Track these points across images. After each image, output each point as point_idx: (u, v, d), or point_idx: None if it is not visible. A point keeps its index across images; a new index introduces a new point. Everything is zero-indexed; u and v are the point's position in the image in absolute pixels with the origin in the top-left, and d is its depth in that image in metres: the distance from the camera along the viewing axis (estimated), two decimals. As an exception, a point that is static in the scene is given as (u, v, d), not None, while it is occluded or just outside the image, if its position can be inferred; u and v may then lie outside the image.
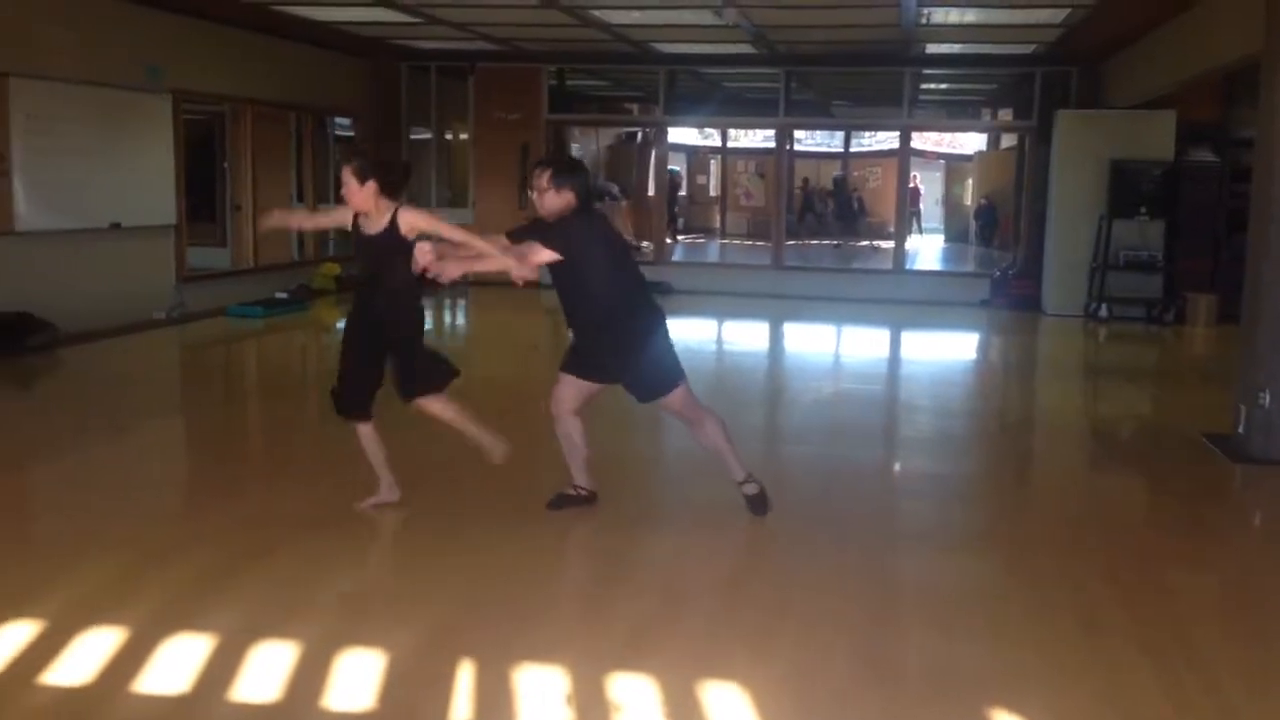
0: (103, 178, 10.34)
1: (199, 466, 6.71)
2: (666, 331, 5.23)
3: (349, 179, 4.91)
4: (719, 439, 5.33)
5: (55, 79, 9.71)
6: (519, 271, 4.93)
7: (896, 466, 7.13)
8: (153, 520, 5.26)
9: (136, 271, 10.93)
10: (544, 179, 4.98)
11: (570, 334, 5.35)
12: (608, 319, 5.09)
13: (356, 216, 5.02)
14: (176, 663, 3.63)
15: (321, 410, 7.95)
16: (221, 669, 3.60)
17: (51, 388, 8.73)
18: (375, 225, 4.95)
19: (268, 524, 5.16)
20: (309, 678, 3.57)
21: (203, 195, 13.23)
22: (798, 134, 25.63)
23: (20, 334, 9.00)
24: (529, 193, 5.21)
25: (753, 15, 11.29)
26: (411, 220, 4.94)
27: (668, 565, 4.88)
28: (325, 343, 12.09)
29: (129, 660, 3.64)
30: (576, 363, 5.29)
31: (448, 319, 14.42)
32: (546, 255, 4.94)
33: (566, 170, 5.07)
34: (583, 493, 5.41)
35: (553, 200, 4.97)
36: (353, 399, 5.16)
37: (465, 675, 3.63)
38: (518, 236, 5.16)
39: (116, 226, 10.53)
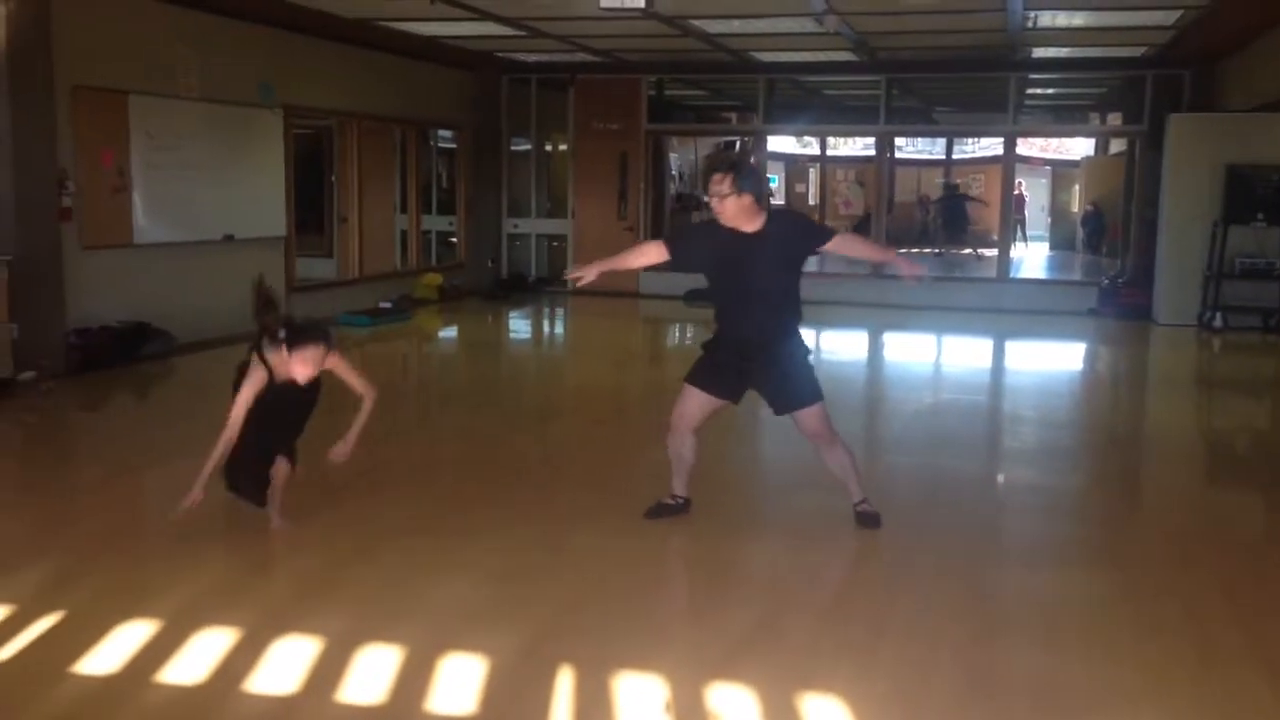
0: (217, 191, 10.66)
1: (304, 473, 6.85)
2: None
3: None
4: (847, 461, 5.31)
5: (173, 97, 10.06)
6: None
7: (1000, 479, 6.99)
8: (260, 524, 5.40)
9: (248, 282, 11.15)
10: (725, 184, 4.90)
11: (711, 343, 5.32)
12: (774, 324, 5.08)
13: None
14: (285, 664, 3.73)
15: (421, 417, 8.10)
16: (328, 671, 3.68)
17: (165, 395, 9.02)
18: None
19: (371, 529, 5.26)
20: (412, 681, 3.63)
21: (310, 207, 13.56)
22: (899, 141, 25.27)
23: (138, 343, 9.33)
24: (707, 199, 5.16)
25: (854, 23, 11.20)
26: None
27: (768, 576, 4.86)
28: (426, 351, 12.32)
29: (240, 660, 3.74)
30: (709, 376, 5.23)
31: (547, 328, 14.57)
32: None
33: (748, 173, 5.01)
34: (679, 501, 5.41)
35: (734, 205, 4.93)
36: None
37: (565, 681, 3.66)
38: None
39: (229, 239, 10.85)
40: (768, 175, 19.56)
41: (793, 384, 5.16)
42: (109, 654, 3.77)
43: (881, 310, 14.29)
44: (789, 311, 5.18)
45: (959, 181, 26.43)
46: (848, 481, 5.34)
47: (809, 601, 4.52)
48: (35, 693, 3.55)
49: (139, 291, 9.63)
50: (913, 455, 7.22)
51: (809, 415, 5.18)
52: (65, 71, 8.68)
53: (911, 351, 12.61)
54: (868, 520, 5.30)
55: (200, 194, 10.44)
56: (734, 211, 4.94)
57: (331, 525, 5.33)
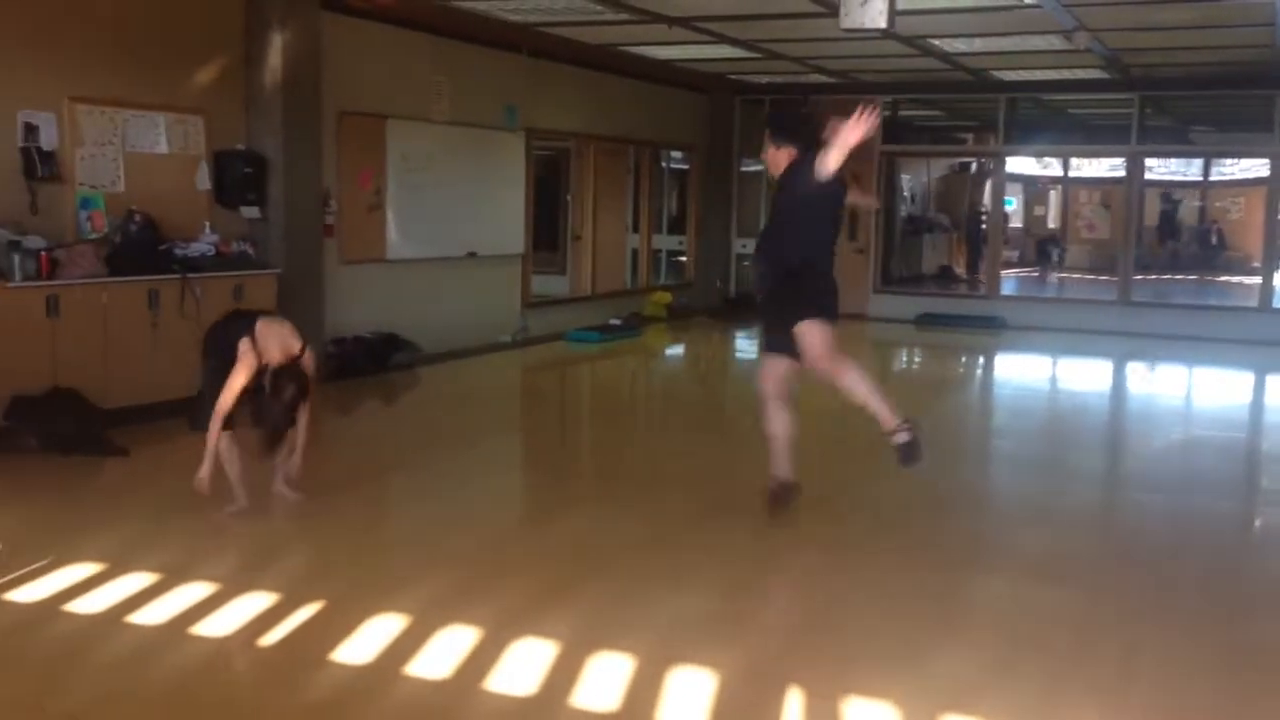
0: (461, 210, 11.18)
1: (538, 482, 7.10)
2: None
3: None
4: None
5: (426, 120, 10.62)
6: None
7: (1258, 522, 6.53)
8: (495, 531, 5.62)
9: (487, 297, 11.73)
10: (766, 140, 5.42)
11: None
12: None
13: None
14: (522, 666, 3.86)
15: (649, 433, 8.24)
16: (561, 677, 3.79)
17: (412, 401, 9.50)
18: None
19: (600, 541, 5.39)
20: (642, 692, 3.69)
21: (545, 226, 14.02)
22: (1148, 161, 24.01)
23: (388, 352, 9.87)
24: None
25: (1106, 39, 10.73)
26: None
27: (1001, 612, 4.69)
28: (654, 368, 12.52)
29: (480, 660, 3.90)
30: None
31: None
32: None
33: (786, 127, 5.52)
34: (777, 484, 5.53)
35: (775, 157, 5.45)
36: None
37: (794, 704, 3.64)
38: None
39: (472, 255, 11.35)
40: (1005, 197, 18.91)
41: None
42: (363, 644, 4.00)
43: (1128, 339, 13.60)
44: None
45: (1179, 200, 25.03)
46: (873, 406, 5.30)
47: (1045, 640, 4.33)
48: (300, 677, 3.81)
49: (389, 304, 10.19)
50: (1161, 493, 6.83)
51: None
52: (332, 98, 9.29)
53: (1159, 383, 11.93)
54: (906, 454, 5.27)
55: (447, 212, 10.96)
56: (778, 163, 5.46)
57: (568, 533, 5.49)
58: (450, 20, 10.13)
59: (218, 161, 8.44)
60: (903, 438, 5.24)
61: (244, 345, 5.33)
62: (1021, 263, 24.59)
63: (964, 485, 6.94)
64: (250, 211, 8.55)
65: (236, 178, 8.44)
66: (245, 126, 8.68)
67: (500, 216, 11.80)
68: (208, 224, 8.26)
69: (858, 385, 5.28)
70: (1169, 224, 24.25)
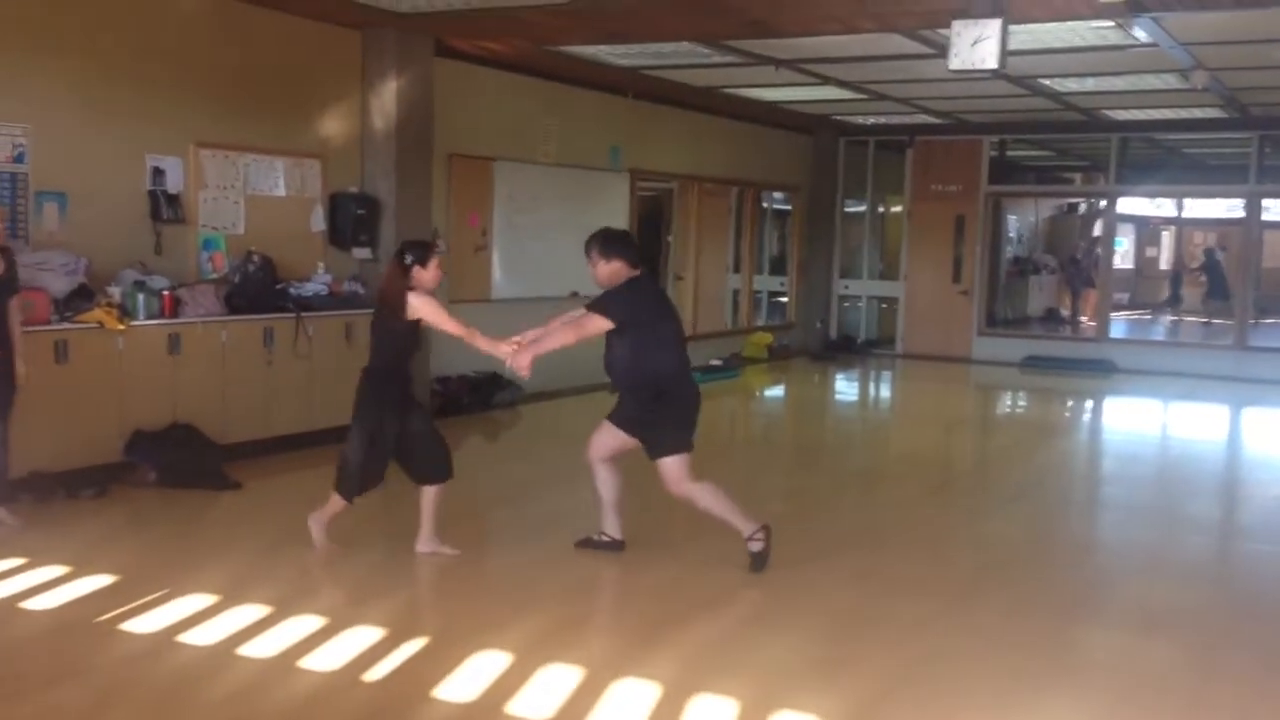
0: (565, 250, 11.27)
1: (634, 521, 7.10)
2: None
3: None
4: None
5: (532, 162, 10.81)
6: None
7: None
8: (597, 569, 5.64)
9: (588, 344, 11.80)
10: (593, 252, 5.41)
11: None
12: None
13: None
14: (624, 707, 3.86)
15: (749, 474, 8.20)
16: (664, 718, 3.78)
17: (512, 439, 9.61)
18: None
19: (703, 583, 5.38)
20: (743, 738, 3.66)
21: (648, 266, 14.09)
22: (1266, 202, 23.19)
23: (491, 391, 10.02)
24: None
25: (1225, 78, 10.48)
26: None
27: (1110, 666, 4.55)
28: (753, 409, 12.48)
29: (582, 700, 3.91)
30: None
31: (873, 391, 14.40)
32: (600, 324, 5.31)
33: (613, 240, 5.49)
34: (605, 539, 5.65)
35: (603, 270, 5.42)
36: None
37: (896, 756, 3.58)
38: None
39: (575, 295, 11.46)
40: (1115, 238, 18.42)
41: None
42: (466, 681, 4.05)
43: (1241, 384, 13.15)
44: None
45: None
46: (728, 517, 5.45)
47: (1158, 694, 4.19)
48: (404, 713, 3.87)
49: (494, 343, 10.33)
50: (1273, 545, 6.58)
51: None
52: (443, 141, 9.52)
53: (1277, 430, 11.50)
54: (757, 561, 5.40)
55: (550, 252, 11.11)
56: (603, 277, 5.45)
57: (669, 574, 5.49)
58: (558, 64, 10.33)
59: (332, 203, 8.71)
60: (755, 546, 5.39)
61: None
62: (1134, 305, 23.94)
63: (1073, 532, 6.77)
64: (362, 252, 8.78)
65: (350, 219, 8.70)
66: (359, 169, 8.94)
67: (603, 257, 11.89)
68: (321, 264, 8.51)
69: (714, 504, 5.42)
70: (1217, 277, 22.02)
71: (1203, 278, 21.57)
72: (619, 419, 5.55)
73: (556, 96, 11.07)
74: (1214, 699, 4.19)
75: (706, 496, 5.45)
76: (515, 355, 5.42)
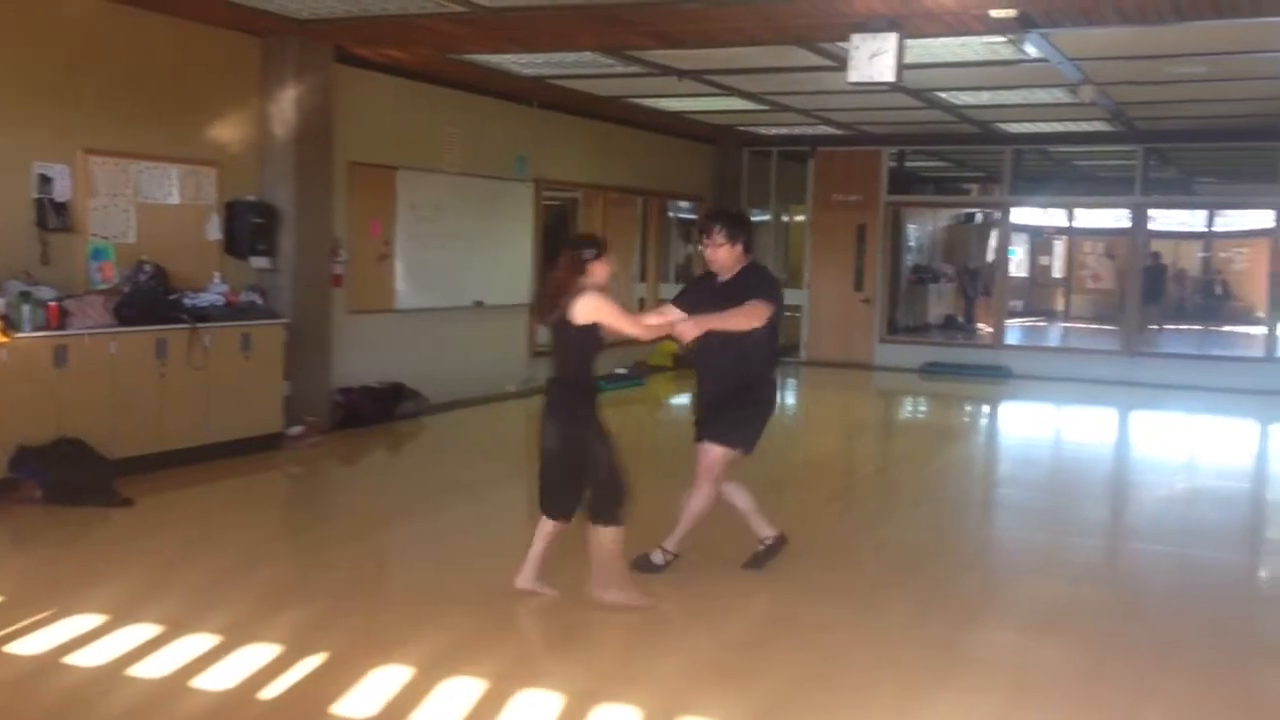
0: (469, 260, 11.25)
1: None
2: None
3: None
4: (694, 509, 5.43)
5: (436, 171, 10.72)
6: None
7: (1263, 573, 6.50)
8: (501, 581, 5.60)
9: (494, 347, 11.77)
10: (719, 232, 5.24)
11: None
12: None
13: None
14: (524, 718, 3.84)
15: (652, 481, 8.22)
16: (565, 729, 3.78)
17: (415, 451, 9.50)
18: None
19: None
20: (646, 747, 3.66)
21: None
22: (1154, 213, 24.01)
23: (394, 402, 9.89)
24: (702, 249, 5.44)
25: (1112, 92, 10.82)
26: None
27: (1002, 661, 4.66)
28: (659, 417, 12.51)
29: (485, 711, 3.88)
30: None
31: (778, 398, 14.55)
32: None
33: (740, 223, 5.34)
34: (768, 541, 5.64)
35: (724, 253, 5.27)
36: None
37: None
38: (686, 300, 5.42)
39: (480, 305, 11.40)
40: (1010, 247, 18.92)
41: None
42: (365, 697, 3.98)
43: (1130, 389, 13.59)
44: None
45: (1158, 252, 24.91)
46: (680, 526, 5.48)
47: (1053, 690, 4.30)
48: (299, 729, 3.79)
49: (396, 354, 10.23)
50: (1163, 543, 6.81)
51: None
52: (344, 149, 9.39)
53: (1163, 433, 11.90)
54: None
55: (454, 262, 11.03)
56: (722, 259, 5.30)
57: (574, 588, 5.46)
58: (462, 72, 10.26)
59: (229, 212, 8.53)
60: (657, 559, 5.50)
61: None
62: (1028, 313, 24.59)
63: (971, 535, 6.92)
64: (260, 261, 8.61)
65: (247, 228, 8.52)
66: (257, 177, 8.77)
67: (508, 266, 11.87)
68: (217, 274, 8.32)
69: (693, 507, 5.47)
70: (1154, 283, 23.02)
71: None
72: (712, 433, 5.37)
73: (461, 105, 11.00)
74: (1106, 693, 4.31)
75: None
76: (685, 324, 5.13)
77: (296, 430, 8.65)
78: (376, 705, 3.92)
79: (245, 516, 6.82)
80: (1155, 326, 20.83)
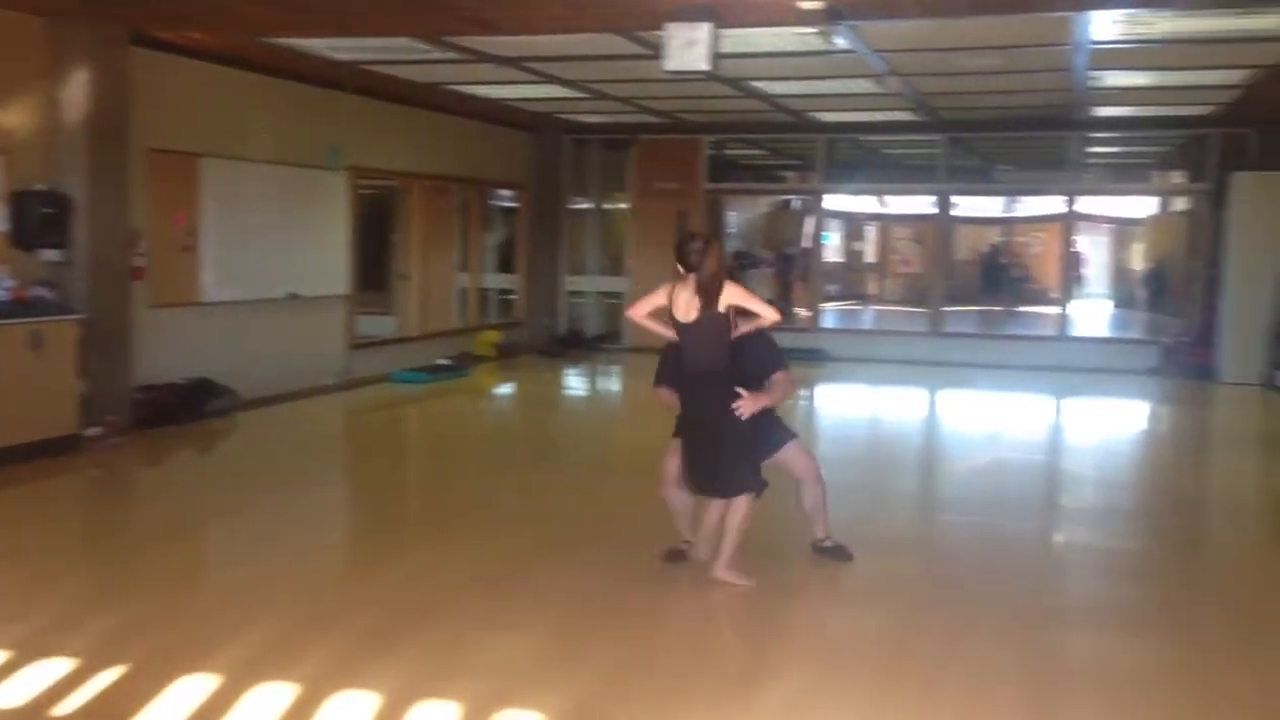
0: (281, 251, 10.90)
1: (364, 528, 6.94)
2: None
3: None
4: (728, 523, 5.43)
5: (243, 159, 10.33)
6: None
7: (1059, 539, 6.89)
8: (319, 581, 5.46)
9: (310, 339, 11.45)
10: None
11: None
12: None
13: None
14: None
15: (479, 473, 8.16)
16: (383, 729, 3.70)
17: (228, 451, 9.16)
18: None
19: (429, 585, 5.30)
20: (466, 741, 3.63)
21: (372, 265, 13.78)
22: (958, 199, 25.17)
23: (202, 399, 9.50)
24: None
25: (916, 83, 11.24)
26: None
27: (823, 636, 4.82)
28: (483, 408, 12.42)
29: (298, 715, 3.77)
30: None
31: (601, 385, 14.61)
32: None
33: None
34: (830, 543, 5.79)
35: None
36: None
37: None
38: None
39: (294, 297, 11.06)
40: (824, 232, 19.52)
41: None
42: (168, 709, 3.81)
43: (937, 368, 14.19)
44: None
45: (998, 244, 26.29)
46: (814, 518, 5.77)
47: (865, 664, 4.45)
48: (98, 745, 3.61)
49: (204, 349, 9.83)
50: (969, 514, 7.14)
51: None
52: (142, 136, 8.95)
53: (967, 409, 12.48)
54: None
55: (265, 253, 10.67)
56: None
57: (394, 580, 5.37)
58: (272, 57, 9.90)
59: (15, 202, 8.03)
60: (825, 545, 5.75)
61: None
62: (843, 296, 25.40)
63: (788, 516, 7.08)
64: (50, 254, 8.13)
65: (35, 219, 8.04)
66: (47, 165, 8.28)
67: (323, 257, 11.56)
68: (4, 268, 7.82)
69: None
70: (992, 273, 24.78)
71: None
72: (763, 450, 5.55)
73: (271, 91, 10.63)
74: (914, 657, 4.48)
75: (677, 496, 5.65)
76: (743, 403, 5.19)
77: (95, 431, 8.22)
78: (181, 714, 3.76)
79: (41, 524, 6.44)
80: (999, 308, 21.97)
